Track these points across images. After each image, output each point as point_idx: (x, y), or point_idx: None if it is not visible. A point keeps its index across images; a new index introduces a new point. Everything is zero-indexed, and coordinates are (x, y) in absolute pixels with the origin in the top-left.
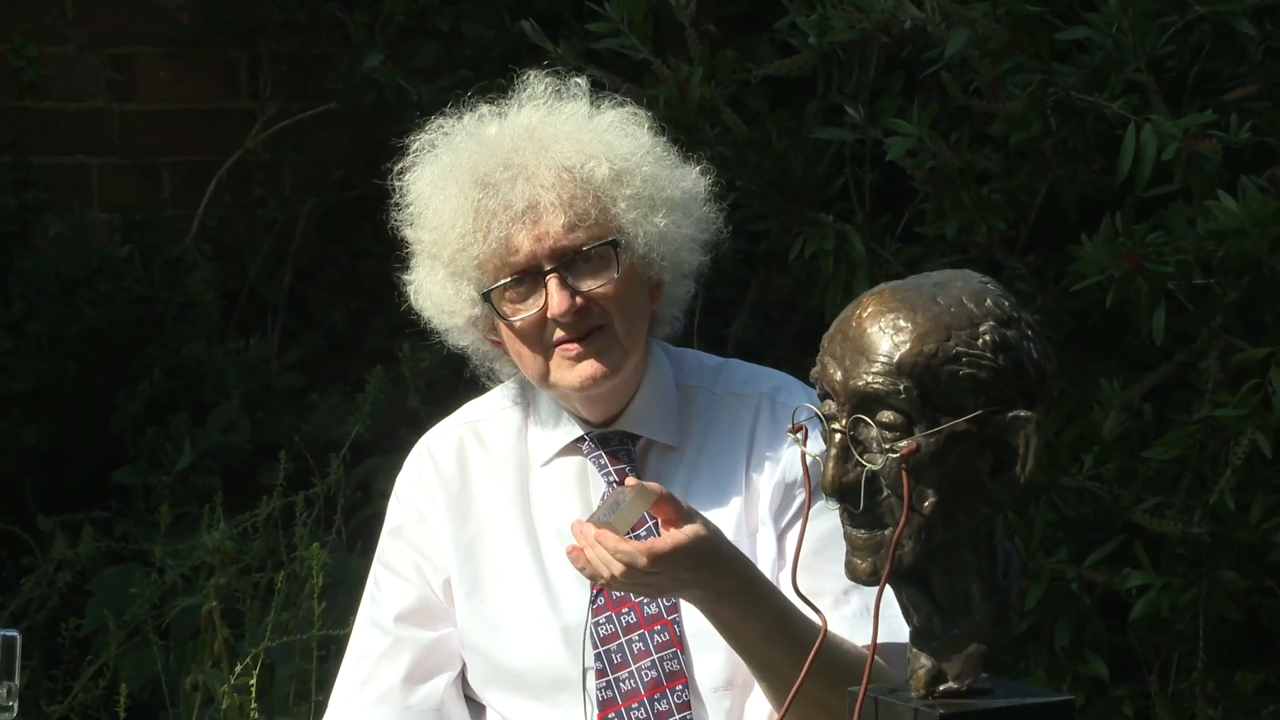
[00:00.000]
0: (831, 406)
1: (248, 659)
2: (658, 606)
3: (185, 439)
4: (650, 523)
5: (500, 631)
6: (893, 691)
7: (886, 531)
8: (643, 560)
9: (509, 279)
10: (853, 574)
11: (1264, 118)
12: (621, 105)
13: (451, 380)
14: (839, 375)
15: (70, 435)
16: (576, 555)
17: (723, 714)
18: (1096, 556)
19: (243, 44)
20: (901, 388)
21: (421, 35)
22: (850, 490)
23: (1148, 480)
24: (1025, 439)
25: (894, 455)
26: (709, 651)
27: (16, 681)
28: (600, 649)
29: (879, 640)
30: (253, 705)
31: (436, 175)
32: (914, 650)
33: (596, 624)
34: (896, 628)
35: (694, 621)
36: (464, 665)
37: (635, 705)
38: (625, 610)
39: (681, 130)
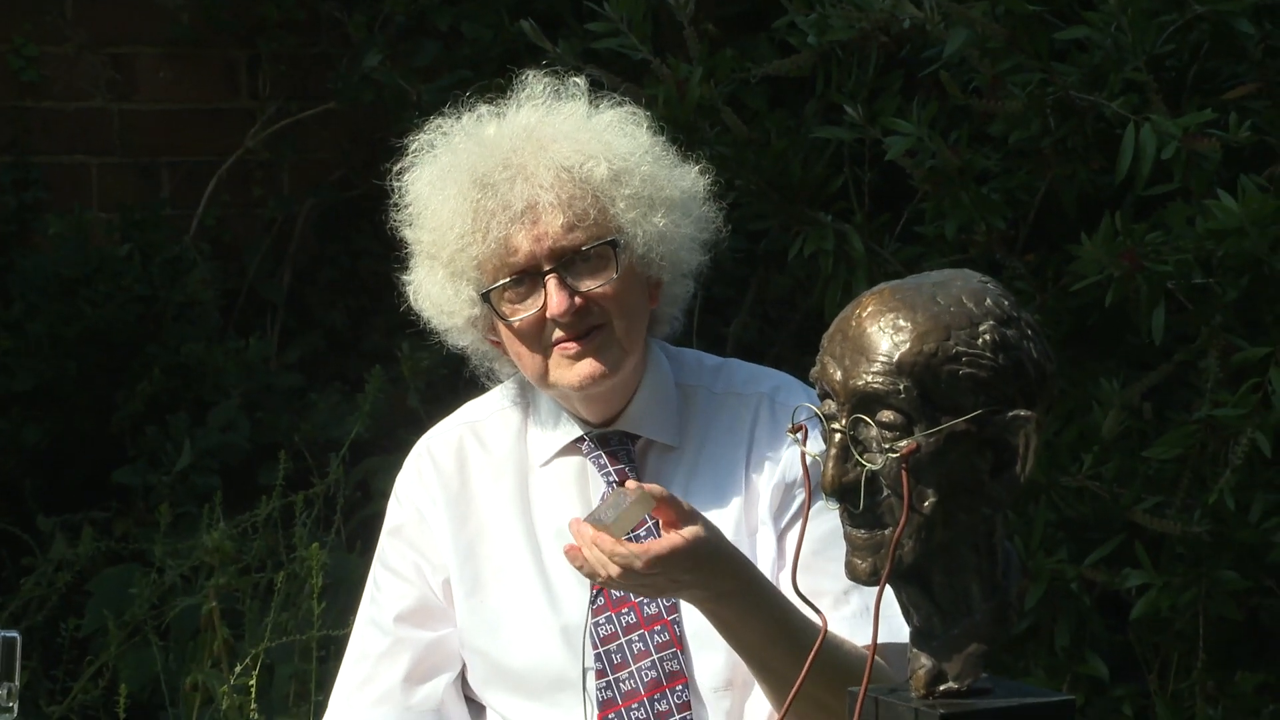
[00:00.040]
0: (831, 406)
1: (247, 659)
2: (658, 607)
3: (185, 439)
4: (650, 523)
5: (500, 631)
6: (893, 691)
7: (886, 531)
8: (639, 563)
9: (508, 279)
10: (853, 574)
11: (1263, 116)
12: (620, 105)
13: (451, 380)
14: (839, 375)
15: (70, 435)
16: (574, 554)
17: (723, 714)
18: (1096, 556)
19: (242, 44)
20: (901, 387)
21: (421, 35)
22: (850, 490)
23: (1148, 480)
24: (1025, 438)
25: (894, 455)
26: (709, 652)
27: (17, 682)
28: (600, 649)
29: (879, 640)
30: (252, 705)
31: (435, 175)
32: (914, 650)
33: (596, 624)
34: (896, 627)
35: (694, 622)
36: (464, 665)
37: (635, 705)
38: (625, 610)
39: (680, 130)
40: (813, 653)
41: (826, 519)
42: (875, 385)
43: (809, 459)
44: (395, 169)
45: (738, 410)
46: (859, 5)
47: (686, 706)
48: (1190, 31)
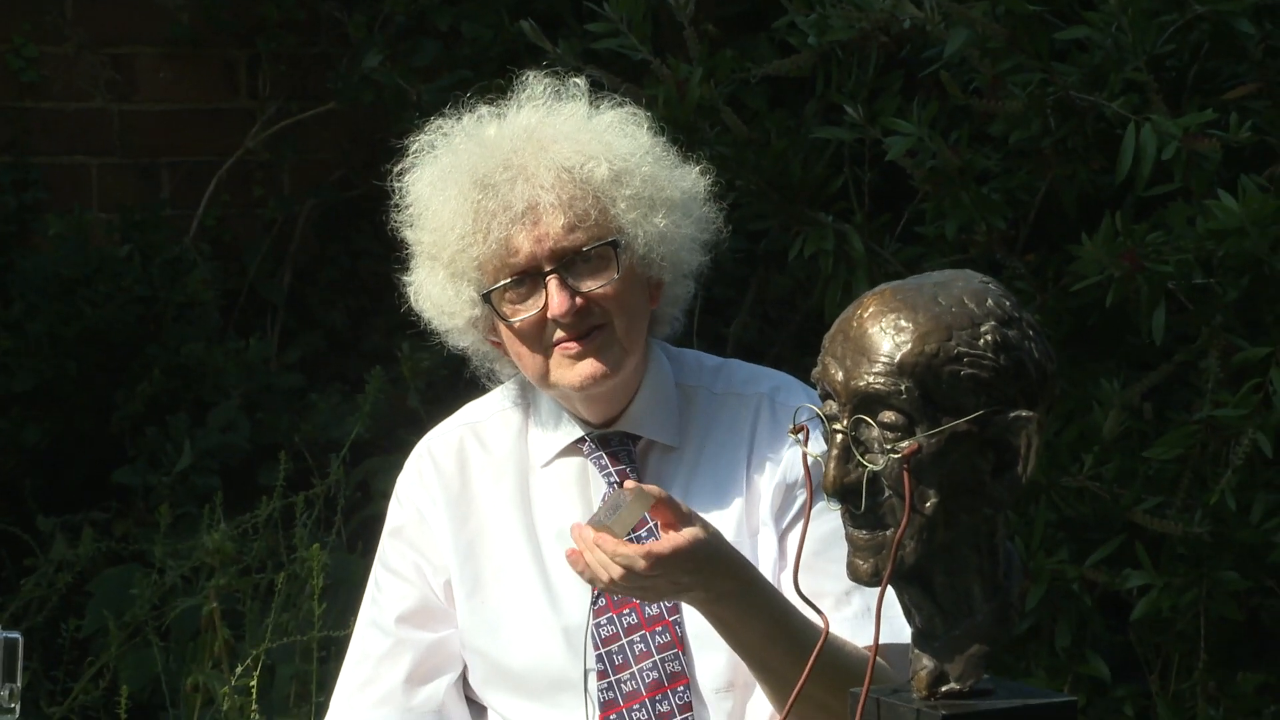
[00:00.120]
0: (833, 407)
1: (248, 660)
2: (659, 608)
3: (185, 439)
4: (650, 524)
5: (501, 632)
6: (895, 692)
7: (888, 532)
8: (641, 563)
9: (509, 280)
10: (854, 575)
11: (1264, 116)
12: (621, 105)
13: (451, 380)
14: (840, 375)
15: (70, 435)
16: (575, 559)
17: (724, 715)
18: (1097, 556)
19: (242, 44)
20: (903, 388)
21: (421, 35)
22: (852, 491)
23: (1148, 480)
24: (1027, 439)
25: (895, 455)
26: (710, 652)
27: (18, 683)
28: (601, 650)
29: (881, 641)
30: (253, 706)
31: (436, 176)
32: (916, 651)
33: (598, 625)
34: (898, 628)
35: (695, 623)
36: (465, 666)
37: (637, 706)
38: (626, 611)
39: (681, 130)
40: (814, 654)
41: (828, 520)
42: (877, 386)
43: (810, 459)
44: (395, 169)
45: (738, 411)
46: (859, 5)
47: (688, 707)
48: (1190, 31)
